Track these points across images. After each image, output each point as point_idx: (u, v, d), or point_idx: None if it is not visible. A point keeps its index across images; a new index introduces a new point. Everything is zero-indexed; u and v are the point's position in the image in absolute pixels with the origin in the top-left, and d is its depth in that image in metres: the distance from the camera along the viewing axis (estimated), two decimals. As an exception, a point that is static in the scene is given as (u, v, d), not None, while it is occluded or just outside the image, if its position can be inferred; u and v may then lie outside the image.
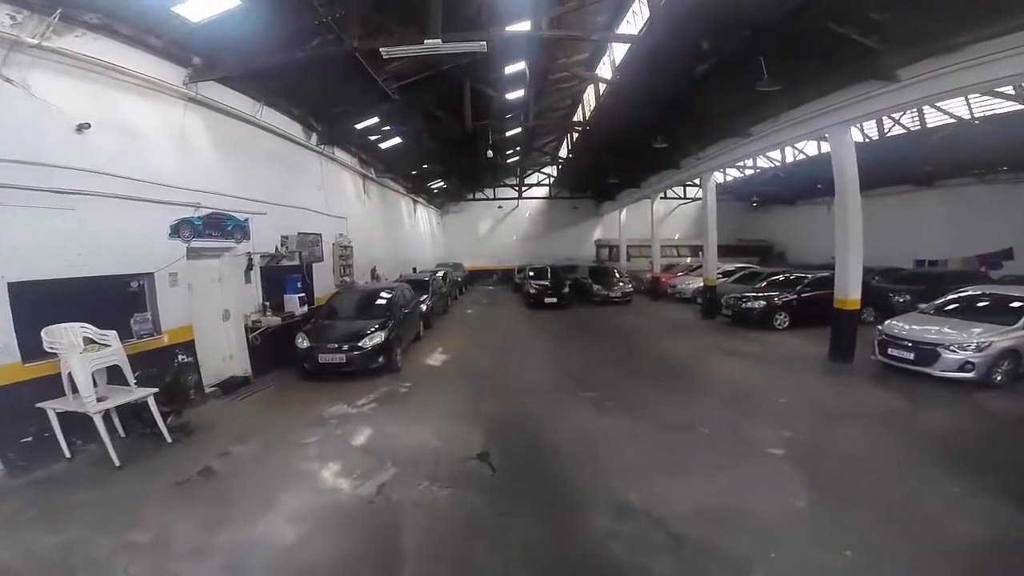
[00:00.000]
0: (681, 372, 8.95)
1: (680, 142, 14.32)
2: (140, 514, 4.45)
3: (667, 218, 29.62)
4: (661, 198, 25.52)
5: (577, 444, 5.86)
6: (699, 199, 28.65)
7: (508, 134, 18.05)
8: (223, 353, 8.46)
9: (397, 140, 14.54)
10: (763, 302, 12.59)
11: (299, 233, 10.09)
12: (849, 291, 9.11)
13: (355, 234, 13.46)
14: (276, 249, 9.31)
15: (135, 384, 5.78)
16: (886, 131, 14.91)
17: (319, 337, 8.50)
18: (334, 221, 12.23)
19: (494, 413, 6.96)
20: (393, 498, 4.73)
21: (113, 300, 6.33)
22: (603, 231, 29.71)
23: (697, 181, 24.36)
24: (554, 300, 17.05)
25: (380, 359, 8.43)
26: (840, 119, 9.22)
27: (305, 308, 9.70)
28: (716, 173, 15.40)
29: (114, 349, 5.57)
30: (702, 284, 17.48)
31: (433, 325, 13.75)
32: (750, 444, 5.79)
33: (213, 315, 8.26)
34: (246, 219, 8.54)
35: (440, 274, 18.48)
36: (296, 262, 9.97)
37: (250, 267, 8.60)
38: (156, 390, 5.89)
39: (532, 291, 17.36)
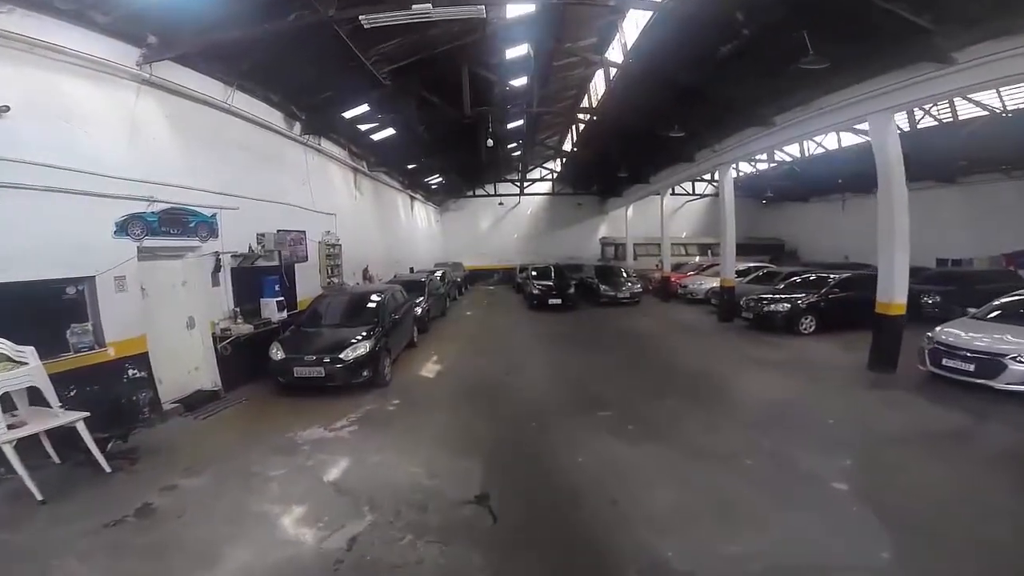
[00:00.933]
0: (706, 385, 7.94)
1: (696, 133, 13.31)
2: (54, 564, 3.66)
3: (675, 215, 28.63)
4: (669, 194, 24.54)
5: (597, 480, 4.86)
6: (709, 195, 27.91)
7: (510, 126, 17.05)
8: (188, 365, 7.50)
9: (391, 131, 13.55)
10: (787, 305, 11.58)
11: (278, 230, 9.12)
12: (895, 294, 8.10)
13: (345, 231, 12.48)
14: (250, 248, 8.32)
15: (61, 407, 4.83)
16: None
17: (295, 347, 7.51)
18: (320, 217, 11.25)
19: (495, 439, 5.97)
20: (367, 556, 3.78)
21: (43, 309, 5.37)
22: (608, 229, 28.65)
23: (708, 176, 23.74)
24: (558, 301, 16.04)
25: (365, 372, 7.44)
26: (884, 105, 8.23)
27: (284, 313, 8.73)
28: (732, 167, 14.31)
29: (31, 368, 4.61)
30: (716, 285, 16.58)
31: (429, 329, 12.79)
32: (806, 477, 4.82)
33: (175, 323, 7.30)
34: (214, 215, 7.58)
35: (438, 274, 17.56)
36: (275, 262, 8.99)
37: (218, 268, 7.61)
38: (86, 414, 4.92)
39: (535, 292, 16.35)
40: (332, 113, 11.26)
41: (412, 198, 21.11)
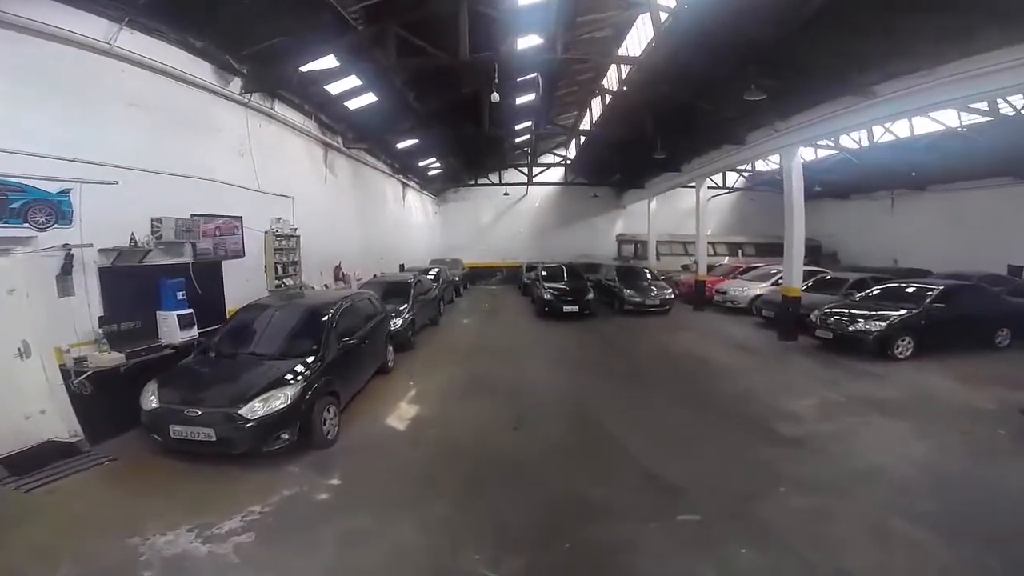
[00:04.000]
0: (822, 448, 5.25)
1: (753, 108, 10.63)
2: None
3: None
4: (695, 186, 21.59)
5: None
6: (740, 188, 24.99)
7: (519, 101, 14.37)
8: (27, 407, 4.94)
9: (371, 98, 10.86)
10: (881, 323, 8.86)
11: (193, 215, 6.53)
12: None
13: (309, 220, 9.90)
14: (133, 240, 5.69)
15: None
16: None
17: (181, 390, 4.88)
18: (269, 201, 8.64)
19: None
20: None
21: None
22: (625, 225, 25.77)
23: (745, 166, 20.80)
24: (575, 309, 13.31)
25: (284, 435, 4.78)
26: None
27: (194, 331, 6.12)
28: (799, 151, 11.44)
29: None
30: (762, 291, 13.90)
31: (415, 344, 10.11)
32: None
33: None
34: (65, 191, 4.99)
35: (432, 272, 14.97)
36: (183, 259, 6.38)
37: (69, 269, 5.00)
38: None
39: (547, 297, 13.59)
40: (285, 66, 8.55)
41: (404, 185, 18.39)
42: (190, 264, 6.38)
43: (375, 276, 12.06)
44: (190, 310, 6.11)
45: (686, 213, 25.87)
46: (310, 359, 5.30)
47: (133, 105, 6.06)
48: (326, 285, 10.60)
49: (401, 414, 6.50)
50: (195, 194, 6.80)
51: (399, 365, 8.59)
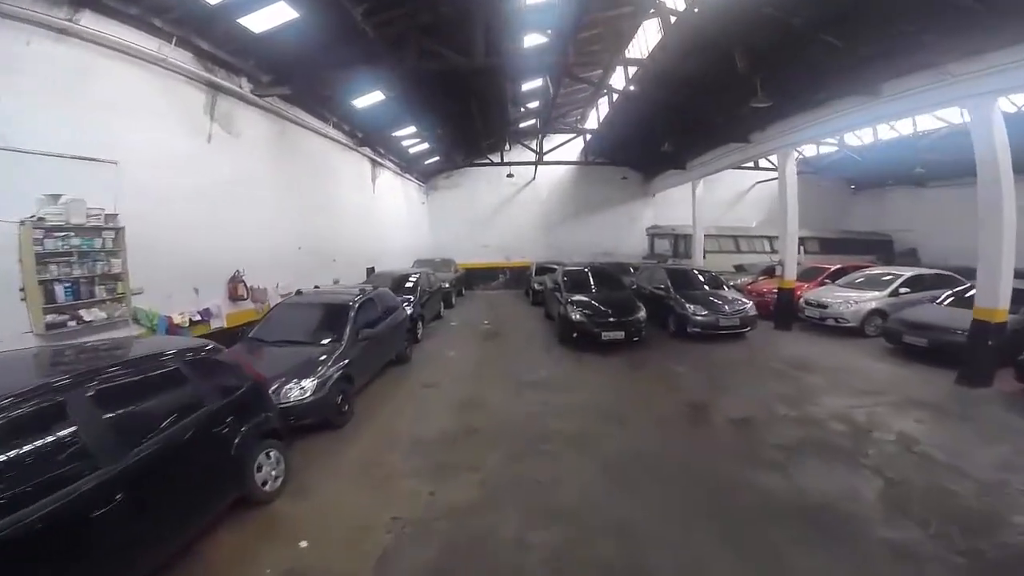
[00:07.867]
0: None
1: (912, 40, 6.40)
2: None
3: (742, 200, 21.67)
4: (751, 167, 17.18)
5: None
6: (801, 173, 20.39)
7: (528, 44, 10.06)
8: None
9: (287, 12, 6.58)
10: None
11: None
12: None
13: (166, 200, 5.74)
14: None
15: None
16: None
17: None
18: (41, 168, 4.46)
19: None
20: None
21: None
22: (655, 216, 21.26)
23: (834, 139, 16.04)
24: (619, 336, 8.96)
25: None
26: None
27: None
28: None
29: None
30: (877, 304, 9.72)
31: (352, 415, 5.87)
32: None
33: None
34: None
35: (411, 280, 10.82)
36: None
37: None
38: None
39: (576, 318, 9.19)
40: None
41: (375, 163, 13.97)
42: None
43: (298, 292, 7.78)
44: None
45: (728, 202, 21.40)
46: None
47: None
48: (205, 311, 6.35)
49: None
50: None
51: (305, 472, 4.39)
